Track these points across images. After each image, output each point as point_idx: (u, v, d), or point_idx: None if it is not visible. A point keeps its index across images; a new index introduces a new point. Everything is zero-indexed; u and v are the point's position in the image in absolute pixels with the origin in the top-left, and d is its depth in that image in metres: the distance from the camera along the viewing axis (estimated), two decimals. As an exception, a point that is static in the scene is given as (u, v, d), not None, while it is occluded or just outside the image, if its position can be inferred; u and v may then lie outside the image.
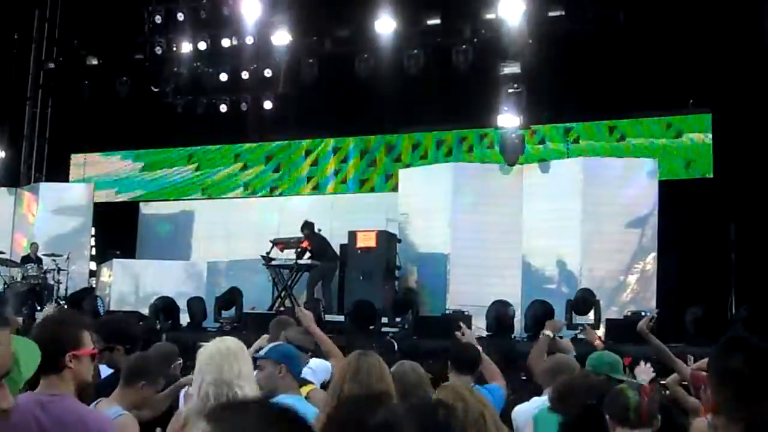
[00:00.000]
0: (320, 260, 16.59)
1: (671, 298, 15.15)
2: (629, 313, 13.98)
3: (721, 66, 15.98)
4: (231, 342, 4.16)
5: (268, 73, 20.36)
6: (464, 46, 18.00)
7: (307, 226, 16.85)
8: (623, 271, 15.60)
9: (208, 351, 4.08)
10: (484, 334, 13.88)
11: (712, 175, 17.13)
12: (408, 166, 19.34)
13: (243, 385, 3.98)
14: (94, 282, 19.91)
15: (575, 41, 17.00)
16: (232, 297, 16.11)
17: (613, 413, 4.27)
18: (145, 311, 15.44)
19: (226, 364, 4.00)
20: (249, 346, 4.90)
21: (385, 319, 14.78)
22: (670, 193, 16.03)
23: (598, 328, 13.30)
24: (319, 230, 16.96)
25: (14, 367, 3.04)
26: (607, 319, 13.88)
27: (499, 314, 14.21)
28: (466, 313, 14.10)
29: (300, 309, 8.95)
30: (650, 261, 15.52)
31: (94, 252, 21.59)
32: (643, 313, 13.94)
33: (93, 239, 21.39)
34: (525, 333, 14.04)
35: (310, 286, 16.56)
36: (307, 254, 16.64)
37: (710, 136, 17.37)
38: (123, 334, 5.94)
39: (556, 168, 16.56)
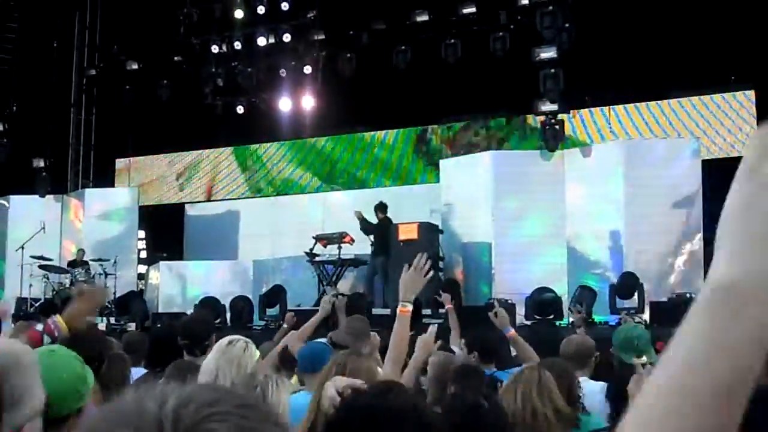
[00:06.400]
0: (381, 251, 16.56)
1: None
2: (673, 295, 13.76)
3: (763, 41, 15.66)
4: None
5: (307, 69, 20.37)
6: (501, 33, 17.88)
7: (381, 208, 16.93)
8: (671, 253, 15.35)
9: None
10: (529, 322, 13.81)
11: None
12: (451, 156, 19.23)
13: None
14: (143, 285, 20.10)
15: (612, 23, 16.78)
16: (275, 295, 16.14)
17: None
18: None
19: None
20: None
21: (428, 311, 14.65)
22: (713, 171, 15.76)
23: (643, 312, 13.15)
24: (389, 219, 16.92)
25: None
26: (651, 302, 13.67)
27: (537, 301, 14.09)
28: (509, 301, 13.94)
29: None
30: (697, 242, 15.28)
31: (144, 255, 21.83)
32: (688, 295, 13.83)
33: (142, 242, 21.65)
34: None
35: (368, 279, 16.70)
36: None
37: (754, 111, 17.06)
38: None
39: (597, 152, 16.37)
